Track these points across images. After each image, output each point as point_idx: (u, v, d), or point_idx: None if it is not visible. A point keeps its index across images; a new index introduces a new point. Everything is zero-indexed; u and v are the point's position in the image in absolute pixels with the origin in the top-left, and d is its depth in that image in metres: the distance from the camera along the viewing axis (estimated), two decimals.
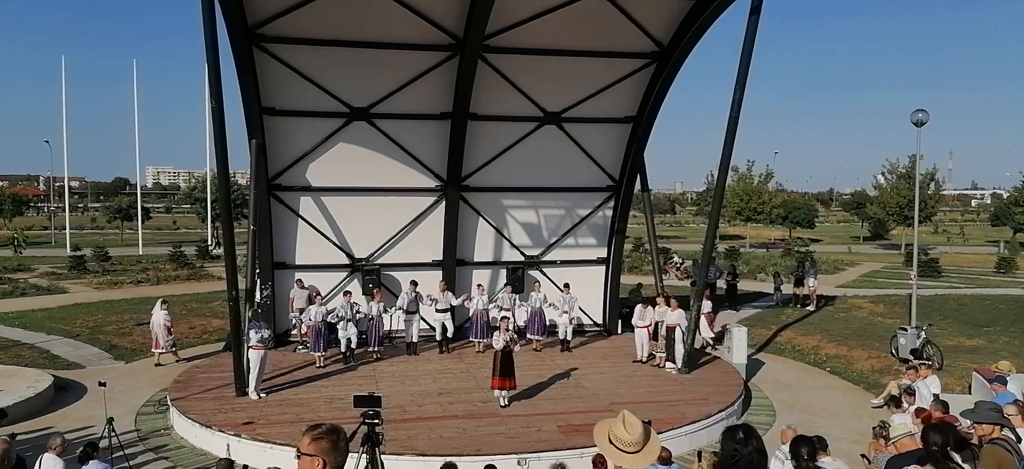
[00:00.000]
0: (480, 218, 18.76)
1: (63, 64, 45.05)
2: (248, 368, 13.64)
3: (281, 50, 15.73)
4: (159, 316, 17.64)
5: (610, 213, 19.66)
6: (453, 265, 18.39)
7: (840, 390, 16.40)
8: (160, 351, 17.58)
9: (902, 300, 25.12)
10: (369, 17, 15.28)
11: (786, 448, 7.92)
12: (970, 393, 14.97)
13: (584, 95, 17.71)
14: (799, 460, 6.00)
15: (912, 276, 20.81)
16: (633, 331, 17.08)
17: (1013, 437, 6.40)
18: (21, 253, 41.84)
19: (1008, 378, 11.77)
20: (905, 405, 10.84)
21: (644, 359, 16.55)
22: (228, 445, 11.63)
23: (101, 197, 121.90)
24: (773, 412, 14.50)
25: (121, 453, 10.87)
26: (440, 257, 18.34)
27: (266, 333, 14.02)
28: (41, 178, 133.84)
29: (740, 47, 14.30)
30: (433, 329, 17.52)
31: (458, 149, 17.21)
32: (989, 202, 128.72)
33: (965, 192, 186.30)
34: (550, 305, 17.56)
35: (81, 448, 9.22)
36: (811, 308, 24.91)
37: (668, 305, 16.23)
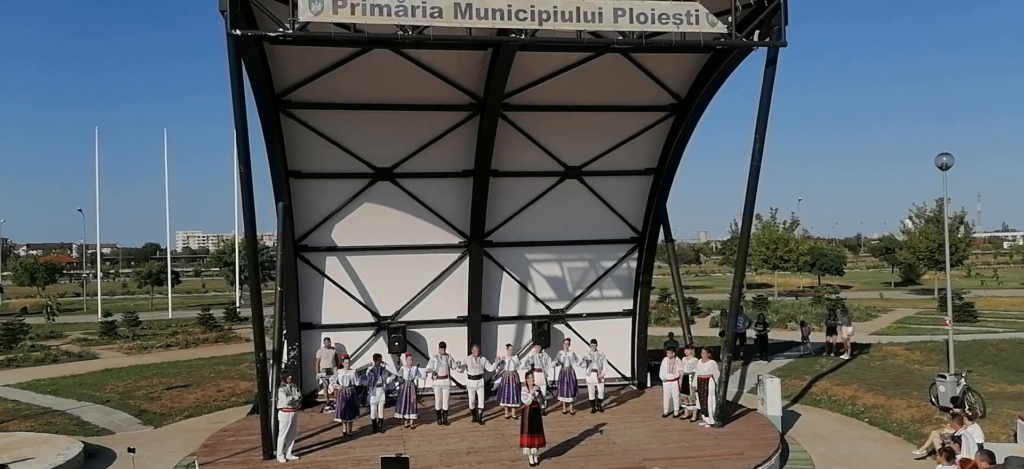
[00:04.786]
0: (504, 273, 18.76)
1: (96, 135, 46.74)
2: (277, 430, 13.59)
3: (307, 115, 16.13)
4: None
5: (634, 265, 19.56)
6: (478, 320, 18.33)
7: (880, 441, 15.89)
8: None
9: (939, 346, 24.47)
10: (391, 80, 15.64)
11: None
12: (1016, 441, 14.44)
13: (604, 149, 17.84)
14: None
15: (947, 321, 20.30)
16: (663, 384, 16.73)
17: None
18: (53, 320, 42.54)
19: None
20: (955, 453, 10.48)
21: (675, 413, 16.19)
22: None
23: (132, 263, 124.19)
24: (812, 466, 14.07)
25: None
26: (465, 313, 18.31)
27: (296, 394, 13.99)
28: (74, 245, 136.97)
29: (759, 95, 14.35)
30: (463, 388, 16.94)
31: (481, 205, 17.35)
32: (1022, 243, 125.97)
33: (996, 234, 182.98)
34: (581, 364, 16.93)
35: None
36: (845, 357, 24.34)
37: (698, 356, 15.95)
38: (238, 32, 11.65)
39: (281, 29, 11.79)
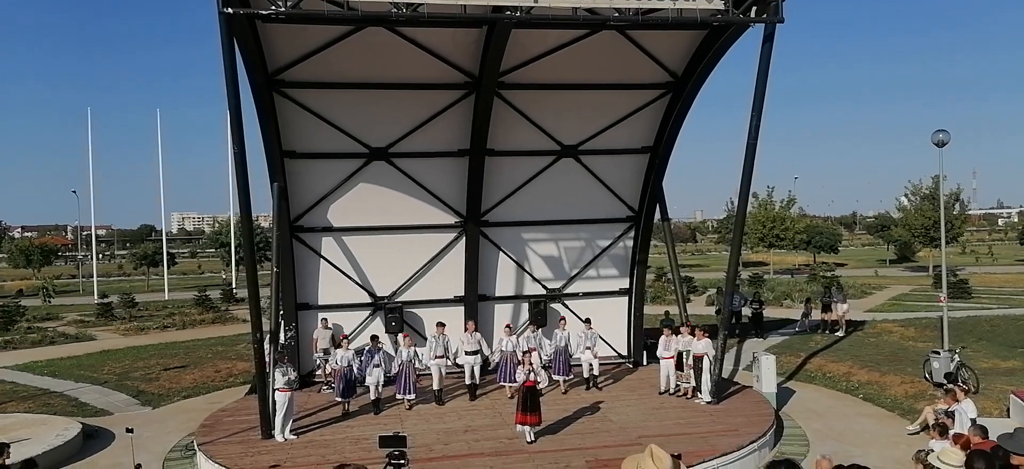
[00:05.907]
0: (501, 253, 18.76)
1: (89, 116, 46.33)
2: (274, 410, 13.65)
3: (301, 94, 16.01)
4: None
5: (631, 243, 19.57)
6: (475, 300, 18.35)
7: (874, 417, 16.02)
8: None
9: (933, 323, 24.61)
10: (386, 59, 15.52)
11: None
12: (1008, 416, 14.57)
13: (600, 127, 17.76)
14: None
15: (942, 298, 20.41)
16: (659, 362, 16.83)
17: None
18: (50, 302, 42.48)
19: None
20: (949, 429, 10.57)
21: (670, 390, 16.29)
22: None
23: (127, 244, 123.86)
24: (806, 442, 14.19)
25: None
26: (462, 293, 18.33)
27: (292, 374, 14.03)
28: (69, 227, 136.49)
29: (755, 71, 14.28)
30: (460, 368, 16.90)
31: (477, 185, 17.30)
32: (1016, 220, 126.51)
33: (991, 211, 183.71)
34: (576, 342, 17.02)
35: None
36: (840, 334, 24.48)
37: (693, 334, 16.02)
38: (230, 10, 11.51)
39: (273, 7, 11.66)
